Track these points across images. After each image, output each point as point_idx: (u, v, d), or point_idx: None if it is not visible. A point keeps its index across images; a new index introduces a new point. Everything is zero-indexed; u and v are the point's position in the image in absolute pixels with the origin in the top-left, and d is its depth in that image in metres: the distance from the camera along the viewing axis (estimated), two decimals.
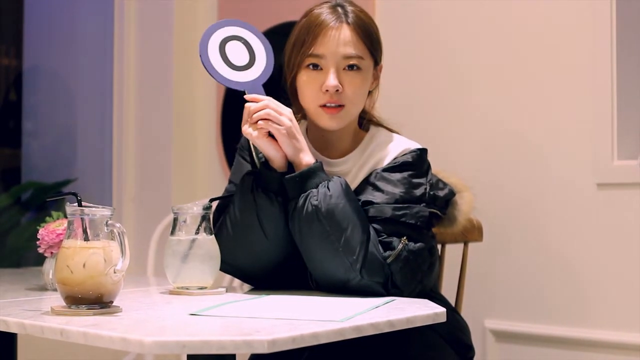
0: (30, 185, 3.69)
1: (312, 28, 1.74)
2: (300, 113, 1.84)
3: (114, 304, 1.39)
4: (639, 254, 2.12)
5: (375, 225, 1.66)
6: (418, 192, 1.72)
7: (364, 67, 1.75)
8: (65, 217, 1.45)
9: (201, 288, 1.65)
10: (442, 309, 1.45)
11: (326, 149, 1.82)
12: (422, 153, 1.78)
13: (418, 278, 1.66)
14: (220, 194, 1.81)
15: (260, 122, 1.65)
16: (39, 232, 1.75)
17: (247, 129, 1.67)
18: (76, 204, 1.39)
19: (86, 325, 1.22)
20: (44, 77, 3.89)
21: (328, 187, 1.63)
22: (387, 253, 1.63)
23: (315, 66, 1.73)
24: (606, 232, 2.18)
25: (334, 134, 1.80)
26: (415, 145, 1.79)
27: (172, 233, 1.67)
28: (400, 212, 1.67)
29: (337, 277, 1.63)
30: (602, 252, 2.18)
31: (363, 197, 1.70)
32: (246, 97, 1.69)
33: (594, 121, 2.20)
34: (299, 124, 1.86)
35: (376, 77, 1.83)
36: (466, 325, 1.87)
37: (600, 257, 2.19)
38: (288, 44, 1.79)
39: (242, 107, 1.68)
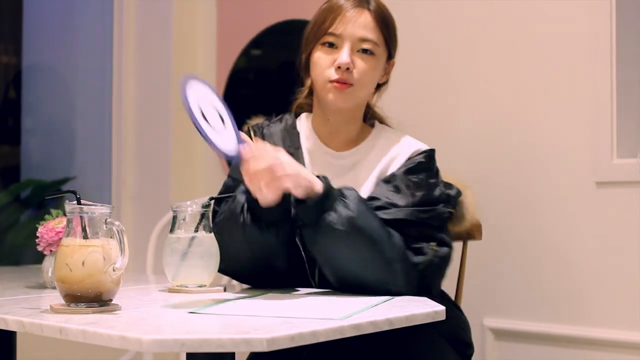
0: (29, 183, 3.68)
1: (333, 9, 1.78)
2: (308, 91, 1.86)
3: (113, 302, 1.39)
4: (638, 253, 2.12)
5: (402, 229, 1.66)
6: (436, 192, 1.74)
7: (377, 54, 1.77)
8: (65, 215, 1.45)
9: (200, 286, 1.65)
10: (442, 307, 1.45)
11: (331, 139, 1.82)
12: (433, 154, 1.80)
13: (442, 279, 1.73)
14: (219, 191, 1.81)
15: (263, 185, 1.54)
16: (38, 230, 1.75)
17: (255, 191, 1.57)
18: (75, 202, 1.39)
19: (85, 324, 1.22)
20: (43, 75, 3.89)
21: (349, 208, 1.58)
22: (418, 259, 1.65)
23: (331, 45, 1.76)
24: (605, 231, 2.18)
25: (339, 119, 1.80)
26: (424, 146, 1.80)
27: (172, 231, 1.67)
28: (426, 215, 1.69)
29: (373, 289, 1.60)
30: (601, 250, 2.18)
31: (385, 200, 1.69)
32: (244, 156, 1.55)
33: (593, 119, 2.20)
34: (303, 115, 1.88)
35: (387, 72, 1.86)
36: (467, 323, 1.87)
37: (599, 255, 2.19)
38: (308, 25, 1.82)
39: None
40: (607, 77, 2.17)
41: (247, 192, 1.64)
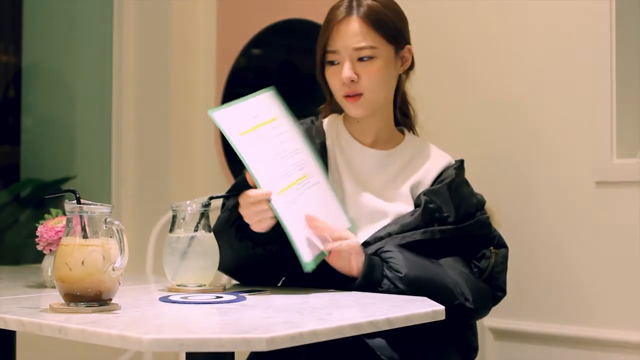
0: (29, 182, 3.68)
1: (327, 25, 1.81)
2: (332, 101, 1.90)
3: (112, 301, 1.39)
4: (638, 253, 2.11)
5: (457, 248, 1.76)
6: (473, 201, 1.84)
7: (379, 56, 1.78)
8: (64, 214, 1.45)
9: (200, 285, 1.65)
10: (441, 307, 1.45)
11: (363, 136, 1.87)
12: (463, 164, 1.87)
13: (506, 275, 1.85)
14: (219, 190, 1.82)
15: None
16: (38, 229, 1.75)
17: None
18: (75, 201, 1.39)
19: (85, 323, 1.22)
20: (43, 74, 3.89)
21: (396, 269, 1.64)
22: (484, 264, 1.79)
23: (333, 62, 1.79)
24: (605, 231, 2.18)
25: (367, 120, 1.85)
26: (450, 158, 1.88)
27: (171, 230, 1.67)
28: (472, 227, 1.79)
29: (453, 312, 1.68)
30: (601, 250, 2.18)
31: (448, 217, 1.76)
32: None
33: (593, 119, 2.20)
34: (332, 116, 1.92)
35: (406, 60, 1.87)
36: (475, 328, 1.88)
37: (599, 255, 2.19)
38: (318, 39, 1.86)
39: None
40: (607, 77, 2.17)
41: (236, 208, 1.68)
